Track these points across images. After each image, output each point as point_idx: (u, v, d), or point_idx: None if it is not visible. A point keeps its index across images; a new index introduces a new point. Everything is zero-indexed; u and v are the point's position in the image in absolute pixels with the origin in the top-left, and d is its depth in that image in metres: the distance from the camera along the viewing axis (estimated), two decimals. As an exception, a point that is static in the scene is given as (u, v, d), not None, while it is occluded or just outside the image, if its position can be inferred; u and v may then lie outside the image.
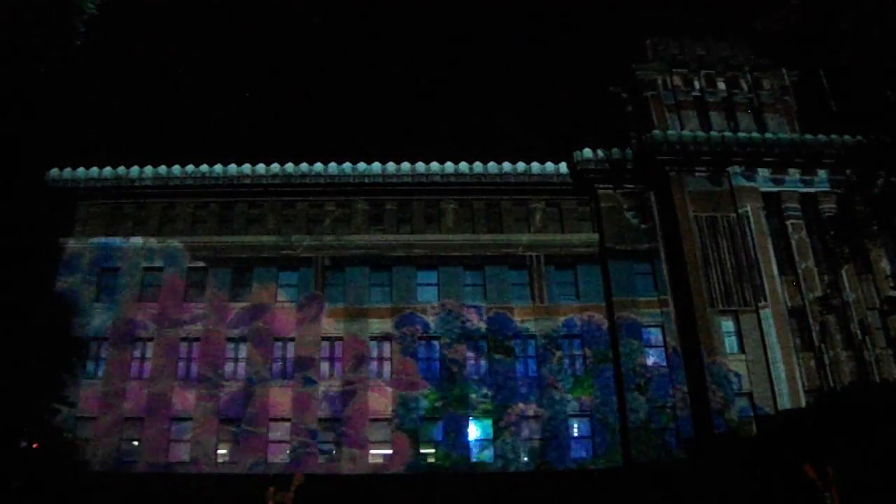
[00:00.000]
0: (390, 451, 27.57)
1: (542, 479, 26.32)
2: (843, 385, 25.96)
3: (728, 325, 28.56)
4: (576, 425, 28.39)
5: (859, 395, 22.33)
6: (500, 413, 28.11)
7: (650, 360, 28.94)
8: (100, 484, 25.21)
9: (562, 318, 29.92)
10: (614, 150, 32.44)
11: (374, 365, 29.02)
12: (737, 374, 27.62)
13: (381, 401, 28.24)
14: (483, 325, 29.64)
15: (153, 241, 30.78)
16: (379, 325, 29.51)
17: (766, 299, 28.50)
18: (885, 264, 29.69)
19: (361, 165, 32.24)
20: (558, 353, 29.25)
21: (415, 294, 30.25)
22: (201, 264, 30.47)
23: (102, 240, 30.77)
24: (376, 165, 32.28)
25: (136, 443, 27.62)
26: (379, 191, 32.08)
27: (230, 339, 29.30)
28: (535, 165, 32.52)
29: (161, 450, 27.36)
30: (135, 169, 31.88)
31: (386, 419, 28.01)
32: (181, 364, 28.96)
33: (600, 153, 32.15)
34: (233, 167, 32.05)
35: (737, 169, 30.86)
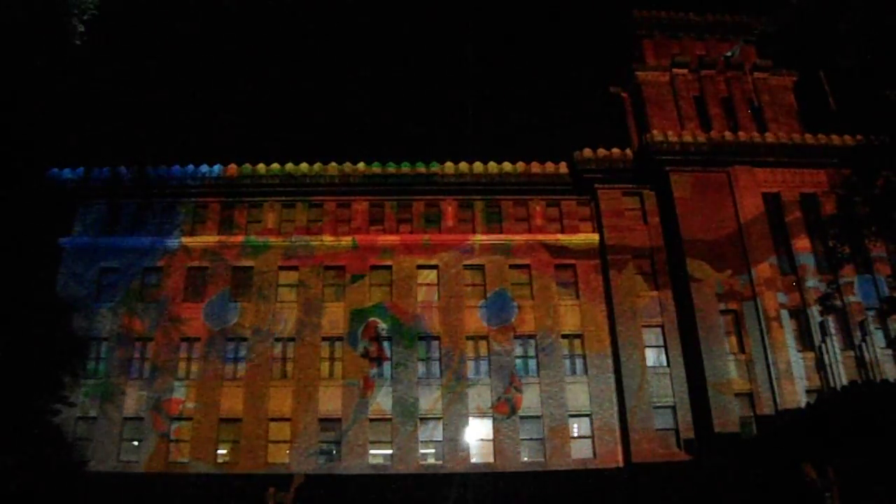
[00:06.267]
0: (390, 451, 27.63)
1: (542, 479, 26.31)
2: (843, 385, 25.93)
3: (728, 324, 28.58)
4: (576, 425, 28.39)
5: (859, 395, 22.27)
6: (501, 412, 28.13)
7: (650, 360, 28.93)
8: (100, 484, 25.22)
9: (562, 317, 29.94)
10: (614, 150, 32.48)
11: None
12: (737, 373, 27.64)
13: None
14: (485, 325, 29.64)
15: (153, 241, 30.78)
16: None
17: (766, 299, 28.50)
18: (885, 264, 29.71)
19: (361, 165, 32.28)
20: (559, 353, 29.25)
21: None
22: (201, 264, 30.49)
23: (102, 240, 30.78)
24: (376, 165, 32.33)
25: (136, 443, 27.63)
26: (379, 191, 32.09)
27: (231, 339, 29.30)
28: (535, 165, 32.56)
29: (161, 450, 27.35)
30: (135, 169, 31.89)
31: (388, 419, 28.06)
32: (181, 364, 28.98)
33: (600, 153, 32.18)
34: (233, 167, 32.08)
35: (737, 169, 30.87)
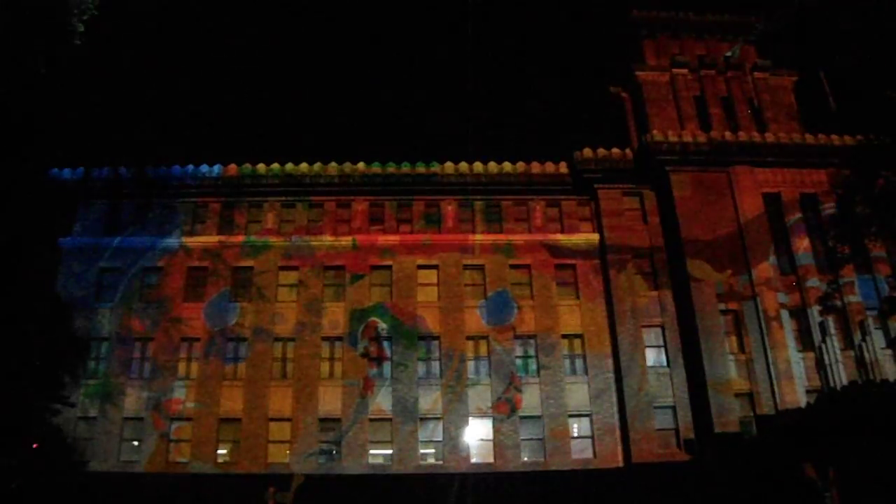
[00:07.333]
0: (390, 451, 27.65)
1: (542, 479, 26.31)
2: (843, 385, 25.93)
3: (728, 324, 28.58)
4: (576, 425, 28.38)
5: (859, 395, 22.28)
6: (501, 412, 28.12)
7: (650, 360, 28.92)
8: (100, 484, 25.22)
9: (562, 318, 29.94)
10: (614, 150, 32.49)
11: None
12: (737, 373, 27.64)
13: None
14: (485, 325, 29.63)
15: (153, 241, 30.79)
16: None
17: (766, 299, 28.50)
18: (885, 264, 29.70)
19: (361, 165, 32.29)
20: (559, 353, 29.24)
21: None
22: (201, 263, 30.49)
23: (102, 240, 30.79)
24: (376, 165, 32.34)
25: (136, 443, 27.64)
26: (379, 191, 32.09)
27: (230, 339, 29.30)
28: (535, 165, 32.57)
29: (161, 449, 27.35)
30: (135, 169, 31.88)
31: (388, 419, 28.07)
32: (181, 364, 28.98)
33: (600, 153, 32.18)
34: (233, 167, 32.09)
35: (737, 169, 30.87)
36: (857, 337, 28.17)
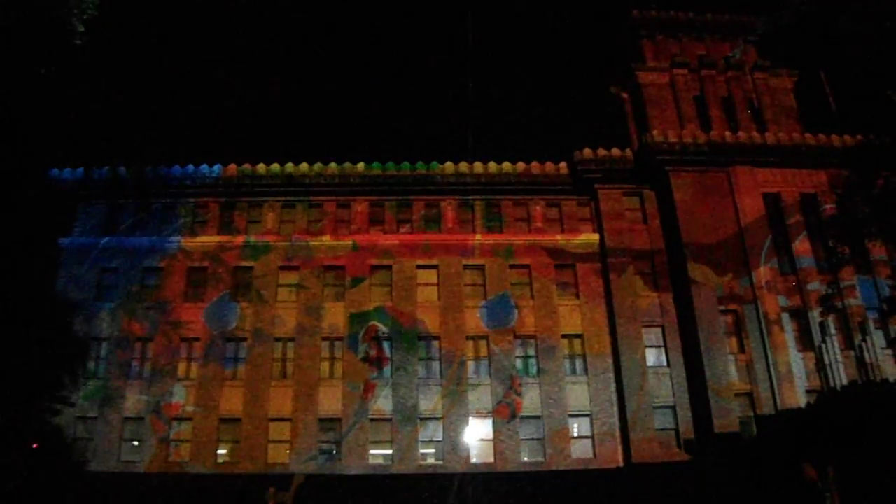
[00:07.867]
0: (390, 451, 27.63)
1: (542, 479, 26.30)
2: (843, 385, 25.93)
3: (729, 325, 28.57)
4: (576, 426, 28.37)
5: (859, 395, 22.28)
6: (501, 416, 28.11)
7: (650, 360, 28.91)
8: (100, 484, 25.21)
9: (563, 318, 29.92)
10: (614, 150, 32.47)
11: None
12: (737, 374, 27.63)
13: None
14: (485, 326, 29.62)
15: (153, 241, 30.78)
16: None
17: (766, 300, 28.48)
18: (885, 265, 29.69)
19: (361, 165, 32.28)
20: (559, 354, 29.24)
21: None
22: (201, 264, 30.48)
23: (102, 240, 30.78)
24: (376, 165, 32.34)
25: (136, 443, 27.62)
26: (379, 191, 32.08)
27: (230, 340, 29.29)
28: (535, 165, 32.57)
29: (161, 450, 27.34)
30: (135, 169, 31.88)
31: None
32: (181, 365, 28.96)
33: (600, 153, 32.17)
34: (233, 167, 32.08)
35: (737, 169, 30.85)
36: (858, 337, 28.15)
